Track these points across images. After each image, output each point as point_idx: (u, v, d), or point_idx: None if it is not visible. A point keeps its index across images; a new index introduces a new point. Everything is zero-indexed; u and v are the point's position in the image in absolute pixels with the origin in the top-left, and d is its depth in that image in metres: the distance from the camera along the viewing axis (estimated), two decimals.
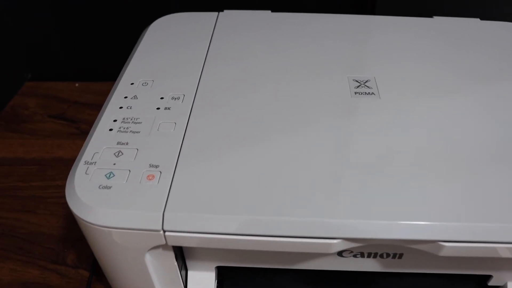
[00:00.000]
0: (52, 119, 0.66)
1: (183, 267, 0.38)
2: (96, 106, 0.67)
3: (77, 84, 0.72)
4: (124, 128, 0.38)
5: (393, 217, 0.31)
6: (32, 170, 0.58)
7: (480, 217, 0.31)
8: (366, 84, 0.42)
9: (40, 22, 0.70)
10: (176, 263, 0.36)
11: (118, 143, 0.36)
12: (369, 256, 0.36)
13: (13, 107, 0.69)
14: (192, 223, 0.31)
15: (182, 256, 0.38)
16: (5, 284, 0.46)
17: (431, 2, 0.61)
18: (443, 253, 0.31)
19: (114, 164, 0.35)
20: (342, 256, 0.36)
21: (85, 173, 0.34)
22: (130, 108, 0.40)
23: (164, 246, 0.34)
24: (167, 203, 0.31)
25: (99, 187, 0.33)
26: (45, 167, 0.58)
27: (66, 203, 0.52)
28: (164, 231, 0.31)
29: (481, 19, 0.52)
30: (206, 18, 0.53)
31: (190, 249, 0.37)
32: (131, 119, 0.39)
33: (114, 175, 0.34)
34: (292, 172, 0.33)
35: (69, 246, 0.49)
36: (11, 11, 0.67)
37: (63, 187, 0.55)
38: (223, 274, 0.40)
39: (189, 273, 0.39)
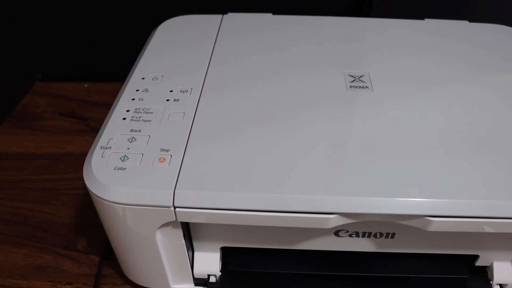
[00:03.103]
0: (62, 116, 0.69)
1: (190, 248, 0.41)
2: (105, 105, 0.71)
3: (86, 85, 0.75)
4: (136, 117, 0.41)
5: (385, 193, 0.33)
6: (44, 164, 0.61)
7: (467, 194, 0.33)
8: (360, 78, 0.45)
9: (50, 25, 0.73)
10: (184, 242, 0.38)
11: (131, 130, 0.39)
12: (363, 236, 0.39)
13: (24, 106, 0.72)
14: (200, 200, 0.34)
15: (189, 237, 0.40)
16: (20, 268, 0.48)
17: (422, 5, 0.65)
18: (431, 228, 0.34)
19: (128, 148, 0.37)
20: (339, 236, 0.39)
21: (101, 156, 0.37)
22: (142, 99, 0.43)
23: (174, 224, 0.36)
24: (177, 182, 0.34)
25: (114, 169, 0.36)
26: (56, 161, 0.61)
27: (77, 194, 0.56)
28: (175, 207, 0.34)
29: (470, 21, 0.56)
30: (211, 20, 0.56)
31: (197, 230, 0.40)
32: (143, 109, 0.41)
33: (128, 158, 0.36)
34: (292, 154, 0.36)
35: (80, 233, 0.52)
36: (23, 16, 0.71)
37: (74, 179, 0.58)
38: (227, 255, 0.42)
39: (195, 253, 0.42)
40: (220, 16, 0.57)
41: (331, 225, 0.34)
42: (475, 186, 0.34)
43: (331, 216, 0.33)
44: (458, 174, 0.35)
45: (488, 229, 0.34)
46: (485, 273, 0.42)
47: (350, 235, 0.39)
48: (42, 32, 0.73)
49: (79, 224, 0.53)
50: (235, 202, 0.34)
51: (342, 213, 0.33)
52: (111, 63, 0.74)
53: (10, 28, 0.70)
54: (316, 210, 0.33)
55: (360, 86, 0.44)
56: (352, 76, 0.45)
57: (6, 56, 0.70)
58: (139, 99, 0.43)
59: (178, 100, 0.43)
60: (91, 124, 0.67)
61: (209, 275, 0.42)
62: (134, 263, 0.41)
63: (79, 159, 0.61)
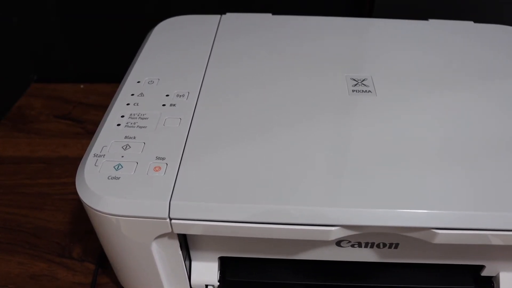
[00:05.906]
0: (57, 119, 0.68)
1: (187, 257, 0.40)
2: (101, 107, 0.69)
3: (82, 86, 0.74)
4: (131, 123, 0.39)
5: (389, 205, 0.32)
6: (39, 168, 0.59)
7: (472, 206, 0.32)
8: (363, 82, 0.44)
9: (46, 25, 0.71)
10: (180, 252, 0.37)
11: (126, 137, 0.38)
12: (366, 246, 0.37)
13: (19, 108, 0.70)
14: (196, 211, 0.33)
15: (186, 246, 0.39)
16: (13, 277, 0.47)
17: (426, 5, 0.63)
18: (436, 240, 0.32)
19: (122, 156, 0.36)
20: (341, 246, 0.37)
21: (95, 165, 0.36)
22: (137, 104, 0.41)
23: (170, 235, 0.35)
24: (173, 193, 0.33)
25: (108, 178, 0.34)
26: (52, 165, 0.60)
27: (72, 200, 0.55)
28: (170, 219, 0.33)
29: (475, 22, 0.54)
30: (209, 20, 0.55)
31: (194, 239, 0.39)
32: (138, 115, 0.40)
33: (122, 167, 0.35)
34: (292, 163, 0.35)
35: (75, 240, 0.50)
36: (18, 14, 0.69)
37: (69, 184, 0.57)
38: (225, 265, 0.41)
39: (192, 263, 0.41)
40: (218, 16, 0.55)
41: (332, 237, 0.33)
42: (482, 197, 0.33)
43: (332, 228, 0.32)
44: (464, 184, 0.34)
45: (495, 242, 0.33)
46: (491, 283, 0.41)
47: (352, 245, 0.37)
48: (38, 33, 0.72)
49: (74, 230, 0.52)
50: (233, 214, 0.32)
51: (344, 225, 0.32)
52: (107, 64, 0.73)
53: (5, 28, 0.69)
54: (317, 222, 0.32)
55: (362, 90, 0.43)
56: (354, 80, 0.44)
57: (0, 57, 0.68)
58: (134, 104, 0.42)
59: (174, 105, 0.41)
60: (87, 127, 0.66)
61: (207, 285, 0.41)
62: (130, 274, 0.40)
63: (74, 163, 0.58)
